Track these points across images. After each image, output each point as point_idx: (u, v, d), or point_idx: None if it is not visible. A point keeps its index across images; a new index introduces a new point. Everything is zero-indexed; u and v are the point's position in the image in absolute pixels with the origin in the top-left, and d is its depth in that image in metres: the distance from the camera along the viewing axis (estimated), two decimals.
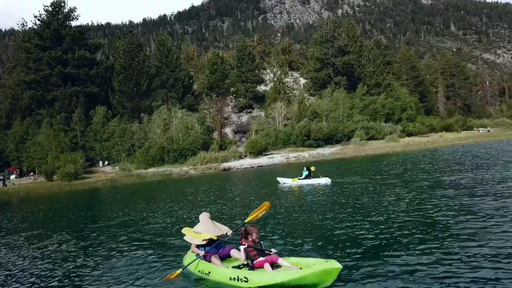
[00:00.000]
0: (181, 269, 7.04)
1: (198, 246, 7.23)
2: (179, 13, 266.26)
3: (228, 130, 67.16)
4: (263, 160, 49.11)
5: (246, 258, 6.47)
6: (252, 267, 6.37)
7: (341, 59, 71.76)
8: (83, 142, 59.25)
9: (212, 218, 7.76)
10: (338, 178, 21.71)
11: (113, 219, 15.32)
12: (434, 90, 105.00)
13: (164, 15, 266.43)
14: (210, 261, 6.89)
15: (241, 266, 6.51)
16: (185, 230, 7.57)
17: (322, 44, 72.79)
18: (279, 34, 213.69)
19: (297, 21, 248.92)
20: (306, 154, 51.78)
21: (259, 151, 52.68)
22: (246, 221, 7.69)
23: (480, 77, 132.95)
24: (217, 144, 55.15)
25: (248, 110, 72.56)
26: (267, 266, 6.18)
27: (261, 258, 6.38)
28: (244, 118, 70.95)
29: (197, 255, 7.17)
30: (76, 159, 51.06)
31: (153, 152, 53.52)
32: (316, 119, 61.39)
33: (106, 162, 59.30)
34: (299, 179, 20.89)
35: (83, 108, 60.48)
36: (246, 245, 6.53)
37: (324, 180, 19.57)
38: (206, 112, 64.99)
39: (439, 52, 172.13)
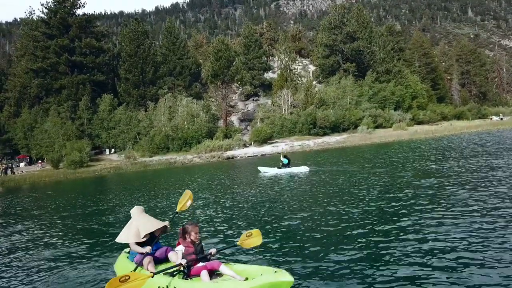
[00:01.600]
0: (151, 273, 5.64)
1: (140, 245, 6.01)
2: (191, 0, 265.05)
3: (234, 118, 66.76)
4: (267, 149, 48.65)
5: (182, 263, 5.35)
6: (187, 275, 5.26)
7: (350, 45, 70.31)
8: (90, 130, 59.63)
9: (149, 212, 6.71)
10: (324, 166, 21.36)
11: (86, 209, 15.15)
12: (448, 77, 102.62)
13: (177, 3, 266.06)
14: (142, 265, 5.75)
15: (175, 273, 5.33)
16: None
17: (331, 30, 71.35)
18: (291, 22, 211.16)
19: (310, 8, 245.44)
20: (311, 142, 51.08)
21: (264, 140, 52.21)
22: (177, 210, 6.78)
23: (497, 64, 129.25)
24: (222, 133, 54.81)
25: (255, 98, 71.95)
26: (204, 274, 5.09)
27: (200, 264, 5.33)
28: (251, 106, 70.41)
29: (129, 257, 6.12)
30: (82, 147, 51.45)
31: (157, 140, 53.58)
32: (322, 107, 60.49)
33: (112, 150, 59.67)
34: (282, 165, 21.02)
35: (90, 96, 60.75)
36: (183, 247, 5.45)
37: (303, 169, 19.83)
38: (213, 100, 64.65)
39: (455, 38, 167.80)
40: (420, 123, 65.28)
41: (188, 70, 68.81)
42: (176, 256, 5.53)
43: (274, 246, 7.12)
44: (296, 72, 70.70)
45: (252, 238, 5.91)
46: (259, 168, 22.62)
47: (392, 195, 10.63)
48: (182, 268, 5.27)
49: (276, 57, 76.19)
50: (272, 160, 32.79)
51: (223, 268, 5.18)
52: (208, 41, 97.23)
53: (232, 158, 46.40)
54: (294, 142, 51.92)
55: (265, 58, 79.64)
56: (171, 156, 50.62)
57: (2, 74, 74.75)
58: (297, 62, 77.58)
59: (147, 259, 5.67)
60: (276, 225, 8.64)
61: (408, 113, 65.44)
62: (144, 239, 5.97)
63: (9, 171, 49.46)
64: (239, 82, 69.60)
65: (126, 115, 58.78)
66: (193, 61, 71.97)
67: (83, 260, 7.48)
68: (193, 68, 70.76)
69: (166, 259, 5.97)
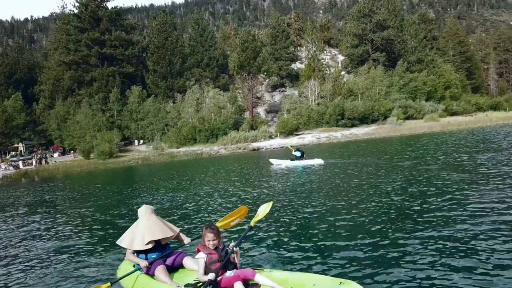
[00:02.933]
0: (108, 283, 4.76)
1: (136, 253, 5.15)
2: None
3: (260, 110, 66.50)
4: (293, 141, 48.19)
5: (205, 273, 4.37)
6: None
7: (380, 34, 68.36)
8: (120, 122, 60.87)
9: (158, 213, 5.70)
10: (346, 158, 20.94)
11: (106, 200, 15.38)
12: (485, 66, 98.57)
13: None
14: (153, 275, 4.91)
15: (199, 284, 4.39)
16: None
17: (360, 19, 69.54)
18: (320, 11, 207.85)
19: None
20: (339, 134, 50.28)
21: (289, 131, 51.81)
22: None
23: None
24: (248, 124, 54.77)
25: (282, 89, 71.33)
26: (238, 286, 4.16)
27: (228, 273, 4.36)
28: (277, 97, 69.88)
29: (135, 265, 5.17)
30: (112, 138, 52.72)
31: (185, 131, 54.15)
32: (351, 98, 59.29)
33: (141, 141, 60.78)
34: (296, 158, 20.82)
35: (120, 88, 61.96)
36: (205, 255, 4.44)
37: (317, 161, 19.53)
38: (239, 91, 64.62)
39: (493, 25, 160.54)
40: (453, 114, 62.91)
41: (215, 61, 69.01)
42: (197, 264, 4.56)
43: (295, 246, 6.44)
44: (324, 62, 69.54)
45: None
46: (271, 160, 22.23)
47: (415, 188, 10.16)
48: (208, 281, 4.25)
49: (304, 47, 75.19)
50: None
51: (259, 277, 4.18)
52: (236, 33, 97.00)
53: (258, 149, 46.32)
54: (321, 134, 51.23)
55: (293, 49, 78.73)
56: (198, 147, 51.07)
57: (37, 67, 77.44)
58: (325, 52, 76.32)
59: (160, 268, 4.84)
60: (298, 221, 8.37)
61: (441, 104, 63.19)
62: (150, 245, 5.07)
63: (43, 161, 51.30)
64: (265, 73, 69.20)
65: (154, 107, 59.64)
66: (220, 53, 72.08)
67: (89, 256, 7.06)
68: (221, 59, 70.88)
69: (179, 267, 5.12)
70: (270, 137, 51.94)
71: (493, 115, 57.93)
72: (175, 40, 65.27)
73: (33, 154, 58.35)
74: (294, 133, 52.20)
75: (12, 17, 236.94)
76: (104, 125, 57.72)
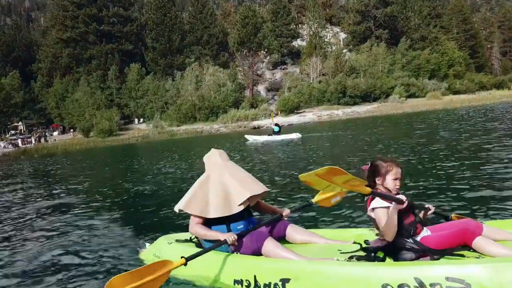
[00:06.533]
0: (183, 260, 2.78)
1: (210, 223, 3.17)
2: None
3: (261, 88, 65.68)
4: (293, 119, 47.81)
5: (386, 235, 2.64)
6: (419, 251, 2.62)
7: (383, 10, 67.02)
8: (119, 100, 60.31)
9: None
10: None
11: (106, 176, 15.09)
12: (489, 45, 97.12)
13: None
14: (252, 254, 3.04)
15: (374, 255, 2.70)
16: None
17: None
18: None
19: None
20: (340, 112, 49.79)
21: (290, 109, 51.26)
22: (314, 200, 3.63)
23: None
24: (248, 102, 54.19)
25: (283, 67, 70.25)
26: (484, 243, 2.52)
27: (424, 232, 2.78)
28: (278, 75, 68.85)
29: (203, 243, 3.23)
30: (111, 116, 52.35)
31: (184, 109, 53.66)
32: (353, 75, 58.48)
33: (141, 120, 60.35)
34: (273, 133, 21.27)
35: (118, 66, 61.20)
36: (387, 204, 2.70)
37: (294, 135, 20.01)
38: (239, 69, 63.71)
39: (498, 4, 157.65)
40: (456, 92, 62.06)
41: (215, 39, 67.92)
42: (301, 231, 3.31)
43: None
44: (326, 40, 68.39)
45: None
46: (246, 136, 22.20)
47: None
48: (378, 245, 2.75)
49: (305, 24, 73.81)
50: (298, 129, 32.07)
51: (490, 230, 2.69)
52: (236, 10, 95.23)
53: (258, 128, 45.90)
54: (322, 111, 50.76)
55: (294, 26, 77.31)
56: (198, 125, 50.74)
57: (35, 45, 76.37)
58: (327, 29, 75.01)
59: (270, 242, 2.99)
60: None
61: (444, 82, 62.34)
62: (242, 207, 3.12)
63: (42, 139, 51.10)
64: (266, 50, 68.12)
65: (153, 85, 59.00)
66: (220, 30, 70.86)
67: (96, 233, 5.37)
68: (220, 37, 69.74)
69: (280, 240, 3.21)
70: (271, 115, 51.48)
71: (497, 93, 57.24)
72: (174, 16, 64.19)
73: (33, 132, 58.13)
74: (295, 111, 51.66)
75: None
76: (103, 103, 57.24)
